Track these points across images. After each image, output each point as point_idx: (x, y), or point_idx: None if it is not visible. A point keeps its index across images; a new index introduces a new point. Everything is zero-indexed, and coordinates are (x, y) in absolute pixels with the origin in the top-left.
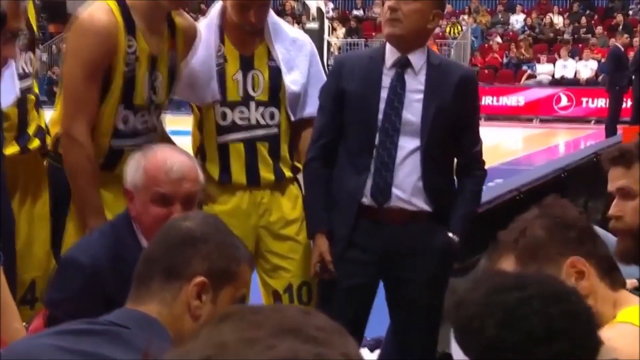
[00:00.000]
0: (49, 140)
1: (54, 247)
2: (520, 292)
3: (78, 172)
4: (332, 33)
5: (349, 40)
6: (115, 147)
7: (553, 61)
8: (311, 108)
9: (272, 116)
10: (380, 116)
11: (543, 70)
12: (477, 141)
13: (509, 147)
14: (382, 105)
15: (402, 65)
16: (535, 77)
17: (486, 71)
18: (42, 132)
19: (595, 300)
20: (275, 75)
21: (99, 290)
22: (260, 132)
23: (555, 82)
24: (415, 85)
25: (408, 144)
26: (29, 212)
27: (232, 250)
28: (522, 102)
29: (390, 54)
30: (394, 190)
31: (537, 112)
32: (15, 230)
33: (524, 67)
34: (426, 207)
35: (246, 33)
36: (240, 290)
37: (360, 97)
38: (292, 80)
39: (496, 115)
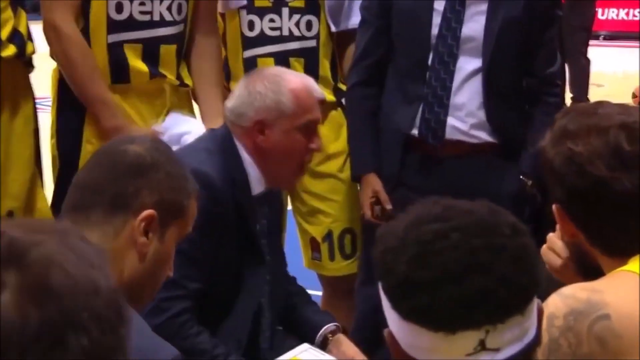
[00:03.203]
0: (30, 48)
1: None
2: (442, 223)
3: (69, 67)
4: None
5: None
6: (113, 44)
7: None
8: (358, 17)
9: (309, 26)
10: (434, 32)
11: None
12: (553, 60)
13: None
14: (436, 19)
15: None
16: None
17: None
18: (20, 37)
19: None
20: None
21: (221, 214)
22: (294, 45)
23: None
24: None
25: (467, 64)
26: (6, 129)
27: (183, 182)
28: None
29: None
30: (450, 120)
31: None
32: None
33: None
34: (490, 139)
35: None
36: (187, 227)
37: (409, 8)
38: None
39: None
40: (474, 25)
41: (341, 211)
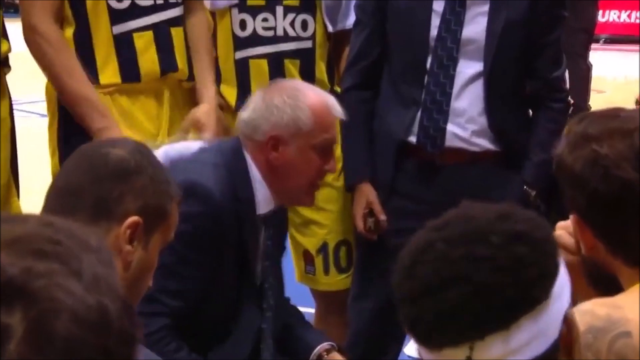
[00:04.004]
0: (5, 47)
1: None
2: (438, 232)
3: (50, 67)
4: None
5: None
6: (119, 35)
7: None
8: None
9: (304, 26)
10: (432, 34)
11: None
12: (559, 63)
13: None
14: (435, 21)
15: None
16: None
17: None
18: None
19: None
20: None
21: (218, 232)
22: (289, 45)
23: None
24: None
25: (468, 68)
26: None
27: (166, 186)
28: None
29: None
30: (450, 127)
31: None
32: None
33: None
34: (492, 147)
35: None
36: (170, 233)
37: (406, 9)
38: None
39: None
40: (475, 27)
41: (336, 222)
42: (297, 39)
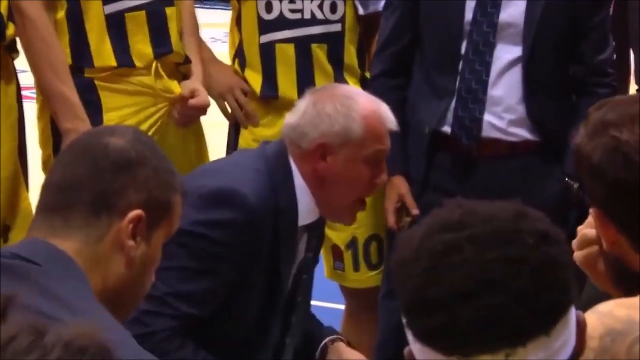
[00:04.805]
0: (11, 30)
1: None
2: (457, 232)
3: (31, 55)
4: None
5: None
6: (111, 15)
7: None
8: None
9: (333, 8)
10: (467, 17)
11: None
12: (604, 46)
13: None
14: (470, 3)
15: None
16: None
17: None
18: None
19: None
20: None
21: (252, 244)
22: (317, 29)
23: None
24: None
25: (505, 53)
26: None
27: (169, 177)
28: None
29: None
30: (486, 117)
31: None
32: None
33: None
34: (531, 137)
35: None
36: (173, 226)
37: None
38: None
39: None
40: (513, 9)
41: (367, 216)
42: (326, 22)
